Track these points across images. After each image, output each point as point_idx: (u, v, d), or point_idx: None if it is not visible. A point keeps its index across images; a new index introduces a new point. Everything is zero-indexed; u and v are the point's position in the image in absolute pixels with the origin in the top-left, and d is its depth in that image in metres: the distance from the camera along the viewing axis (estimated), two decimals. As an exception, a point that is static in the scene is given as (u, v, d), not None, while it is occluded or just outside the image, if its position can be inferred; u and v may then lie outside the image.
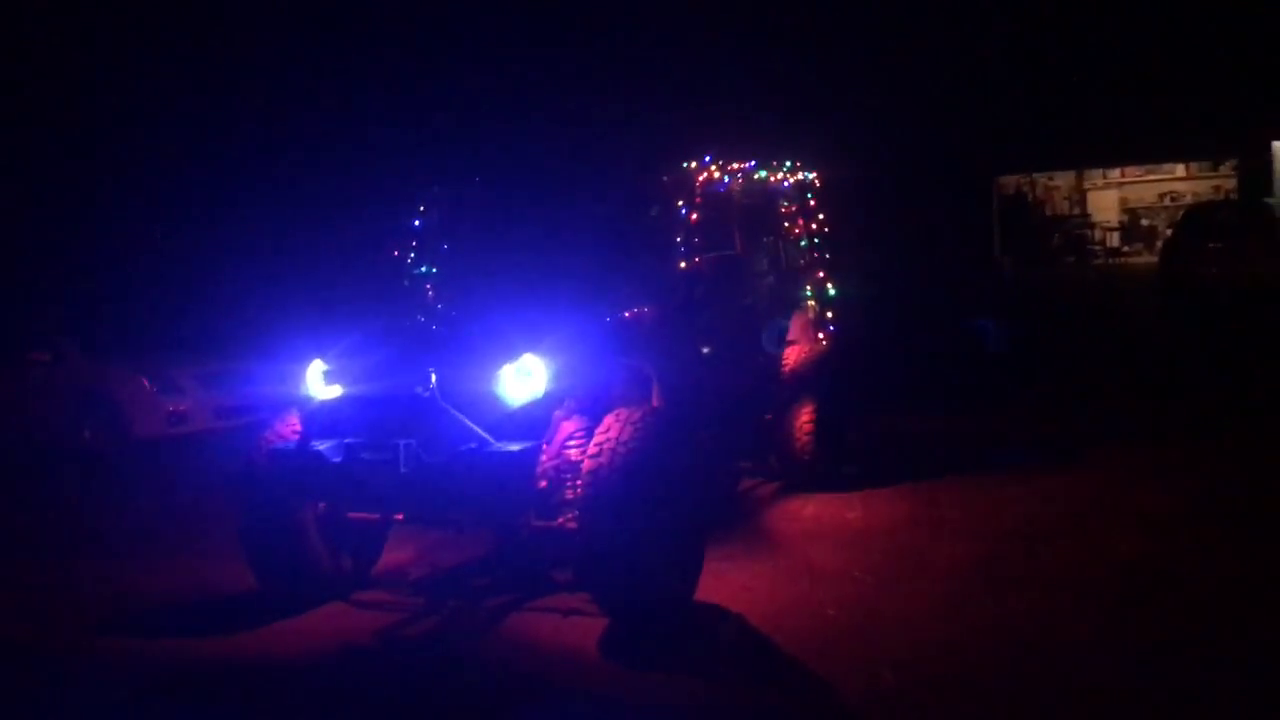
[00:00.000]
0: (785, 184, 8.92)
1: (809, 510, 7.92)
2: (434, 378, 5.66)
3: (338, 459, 5.72)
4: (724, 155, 7.77)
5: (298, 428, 6.14)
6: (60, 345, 12.48)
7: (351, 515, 6.24)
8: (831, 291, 9.17)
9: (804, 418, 8.22)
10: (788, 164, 8.92)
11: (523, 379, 5.75)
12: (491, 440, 5.57)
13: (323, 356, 6.18)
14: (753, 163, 8.24)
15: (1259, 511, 7.31)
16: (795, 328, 8.73)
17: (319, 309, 10.72)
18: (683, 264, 6.98)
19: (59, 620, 6.49)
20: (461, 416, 5.59)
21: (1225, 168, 29.56)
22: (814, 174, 9.28)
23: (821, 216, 9.24)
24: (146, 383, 12.08)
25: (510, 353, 5.78)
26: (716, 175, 7.57)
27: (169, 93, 20.11)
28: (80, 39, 19.96)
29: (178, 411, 12.14)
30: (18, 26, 19.14)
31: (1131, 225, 31.37)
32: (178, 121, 20.14)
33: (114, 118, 19.76)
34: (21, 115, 19.14)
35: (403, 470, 5.56)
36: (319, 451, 5.78)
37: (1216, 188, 30.05)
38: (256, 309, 14.63)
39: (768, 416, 8.28)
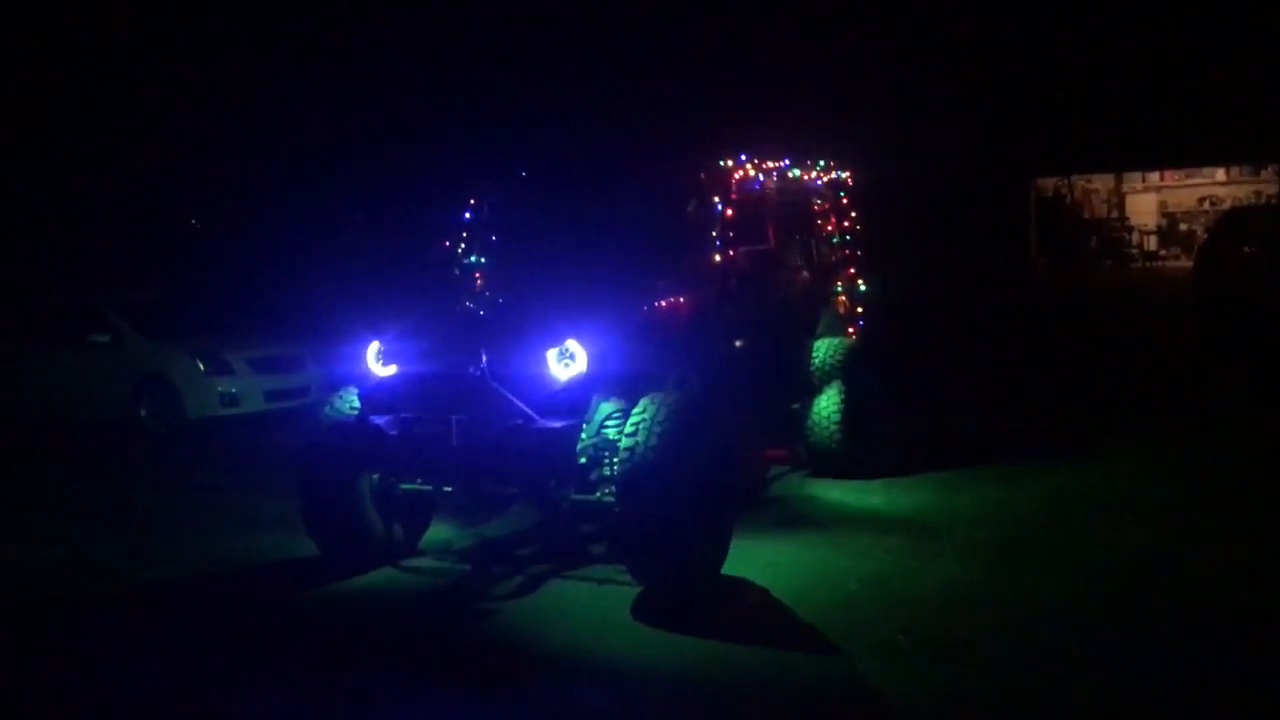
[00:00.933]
0: (818, 182, 9.27)
1: (833, 495, 8.30)
2: (485, 359, 6.08)
3: (395, 432, 6.17)
4: (759, 154, 8.16)
5: (356, 404, 6.60)
6: (120, 328, 13.05)
7: (404, 487, 6.68)
8: (861, 287, 9.52)
9: (831, 408, 8.57)
10: (821, 163, 9.28)
11: (565, 362, 6.16)
12: (536, 418, 5.99)
13: (380, 339, 6.62)
14: (787, 161, 8.61)
15: (1259, 506, 7.61)
16: (825, 321, 9.08)
17: (369, 297, 11.21)
18: (718, 257, 7.37)
19: (137, 582, 7.00)
20: (509, 395, 6.01)
21: (1267, 172, 29.46)
22: (846, 173, 9.63)
23: (854, 215, 9.60)
24: (201, 365, 12.66)
25: (554, 337, 6.20)
26: (751, 173, 7.96)
27: (232, 87, 20.72)
28: (155, 36, 20.61)
29: (230, 394, 12.72)
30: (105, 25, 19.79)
31: (1170, 229, 31.35)
32: (242, 114, 20.75)
33: (181, 110, 20.39)
34: (90, 104, 19.79)
35: (455, 443, 6.00)
36: (377, 425, 6.24)
37: (1257, 193, 29.94)
38: (308, 297, 15.15)
39: (796, 405, 8.65)
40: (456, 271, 7.85)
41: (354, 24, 21.34)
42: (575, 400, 6.14)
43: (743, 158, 7.86)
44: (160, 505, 9.12)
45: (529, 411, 6.01)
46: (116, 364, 12.87)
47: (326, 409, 6.73)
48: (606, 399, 6.26)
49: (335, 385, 7.20)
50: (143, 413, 12.69)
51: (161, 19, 20.75)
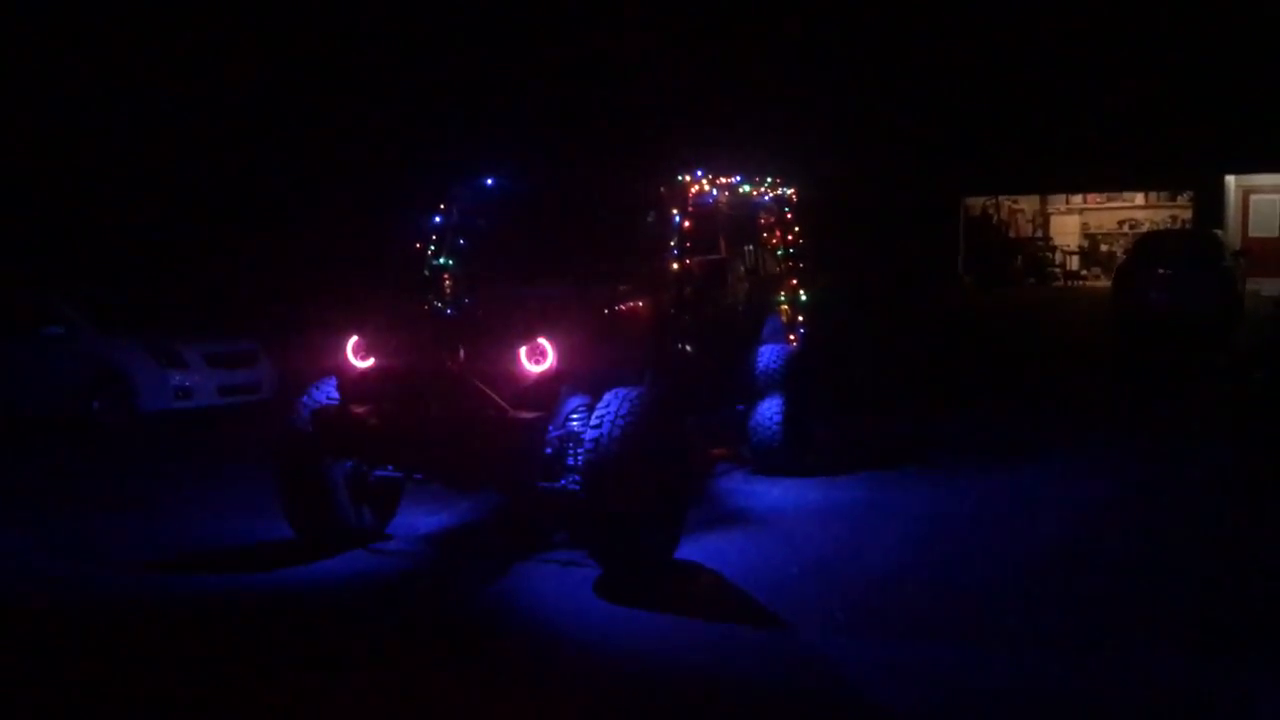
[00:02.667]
0: (765, 197, 9.85)
1: (775, 491, 8.85)
2: (461, 354, 6.53)
3: (374, 421, 6.59)
4: (713, 169, 8.71)
5: (334, 394, 6.99)
6: (73, 320, 13.09)
7: (376, 474, 7.09)
8: (803, 297, 10.11)
9: (773, 410, 9.11)
10: (768, 179, 9.86)
11: (535, 357, 6.63)
12: (508, 409, 6.45)
13: (358, 333, 7.02)
14: (738, 177, 9.18)
15: (1173, 502, 8.33)
16: (769, 328, 9.64)
17: (328, 295, 11.54)
18: (674, 265, 7.88)
19: (111, 564, 7.29)
20: (484, 388, 6.46)
21: (1183, 198, 30.78)
22: (791, 189, 10.23)
23: (797, 229, 10.21)
24: (155, 359, 12.80)
25: (525, 335, 6.66)
26: (706, 187, 8.50)
27: (191, 83, 20.77)
28: (98, 35, 20.60)
29: (184, 388, 12.87)
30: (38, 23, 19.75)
31: (1091, 250, 32.58)
32: (202, 112, 20.80)
33: (135, 104, 20.40)
34: (42, 100, 19.72)
35: (431, 432, 6.43)
36: (357, 414, 6.64)
37: (1173, 217, 31.29)
38: (264, 293, 15.36)
39: (741, 407, 9.19)
40: (425, 272, 8.27)
41: (321, 26, 21.57)
42: (544, 394, 6.61)
43: (698, 173, 8.41)
44: (126, 492, 9.37)
45: (501, 403, 6.46)
46: (69, 357, 12.88)
47: (304, 399, 7.11)
48: (573, 393, 6.72)
49: (293, 380, 7.48)
50: (96, 405, 12.72)
51: (127, 16, 20.79)
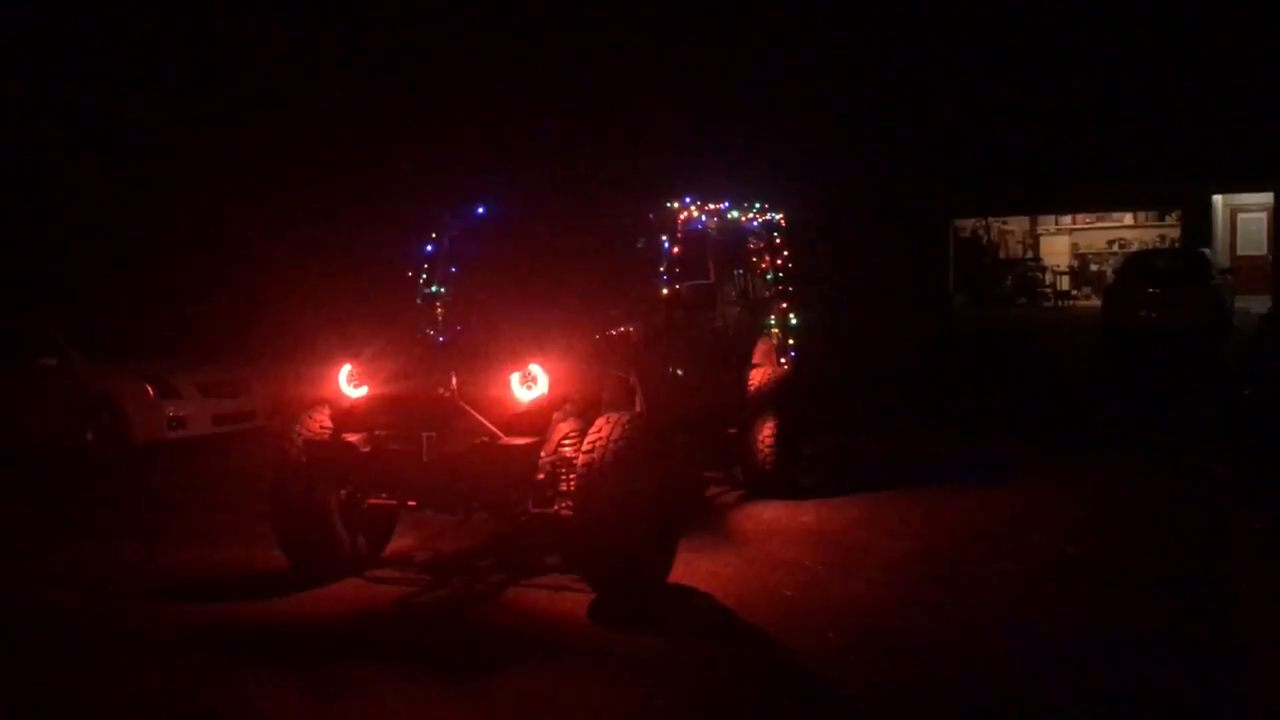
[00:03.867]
0: (754, 223, 9.94)
1: (768, 514, 8.89)
2: (454, 381, 6.58)
3: (368, 449, 6.63)
4: (702, 195, 8.80)
5: (327, 423, 7.03)
6: (66, 351, 13.11)
7: (370, 501, 7.12)
8: (793, 320, 10.18)
9: (765, 433, 9.17)
10: (757, 205, 9.95)
11: (527, 384, 6.68)
12: (501, 435, 6.50)
13: (350, 362, 7.08)
14: (726, 203, 9.27)
15: (1161, 520, 8.38)
16: (760, 351, 9.71)
17: (321, 323, 11.58)
18: (664, 290, 7.95)
19: (106, 593, 7.31)
20: (476, 414, 6.51)
21: (1171, 218, 30.99)
22: (780, 214, 10.33)
23: (786, 253, 10.29)
24: (149, 389, 12.80)
25: (517, 361, 6.72)
26: (695, 213, 8.59)
27: (187, 105, 20.88)
28: (94, 55, 20.70)
29: (177, 417, 12.89)
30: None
31: (1081, 270, 32.78)
32: (197, 136, 20.90)
33: (132, 131, 20.50)
34: (41, 124, 19.79)
35: (425, 459, 6.47)
36: (351, 442, 6.69)
37: (1162, 236, 31.51)
38: (258, 323, 15.38)
39: (732, 430, 9.25)
40: (418, 300, 8.33)
41: (315, 51, 21.71)
42: (536, 420, 6.65)
43: (687, 199, 8.50)
44: (123, 522, 9.39)
45: (494, 429, 6.51)
46: (62, 387, 12.92)
47: (298, 427, 7.14)
48: (565, 418, 6.77)
49: (286, 409, 7.53)
50: (89, 436, 12.73)
51: (116, 36, 20.91)
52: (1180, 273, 20.18)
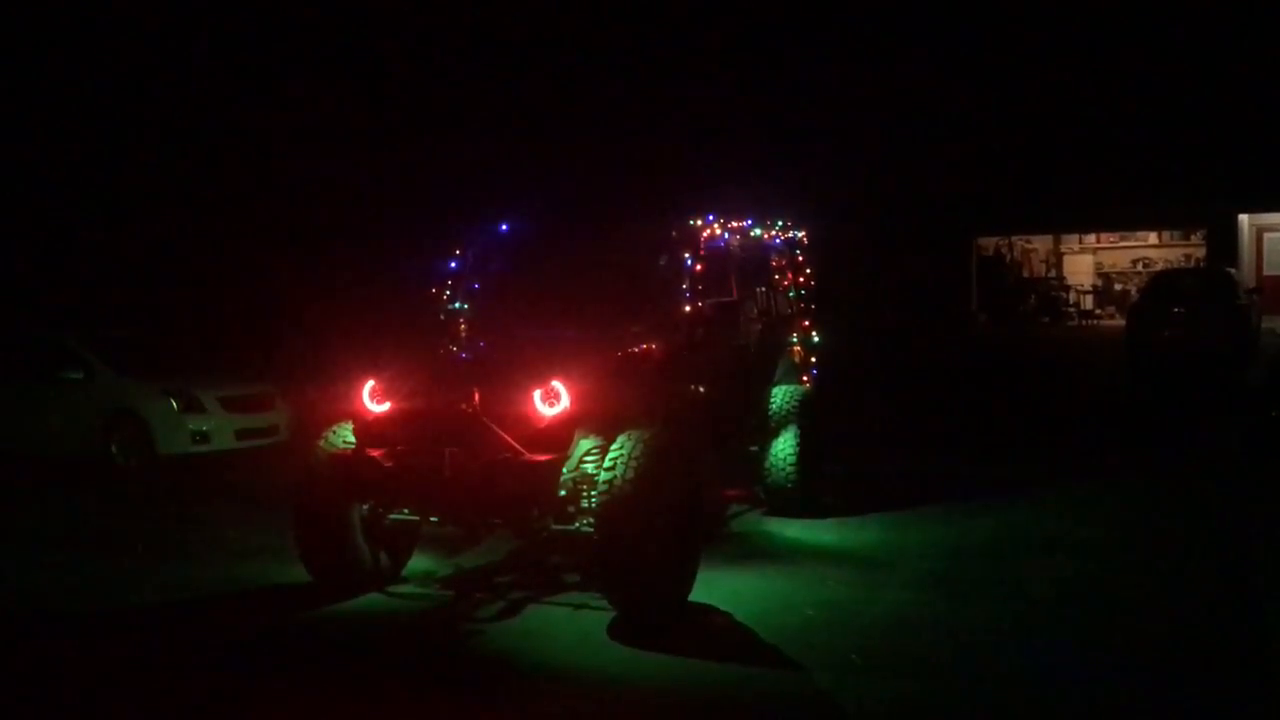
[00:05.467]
0: (777, 240, 9.93)
1: (789, 532, 8.86)
2: (477, 397, 6.59)
3: (390, 464, 6.65)
4: (724, 213, 8.80)
5: (350, 438, 7.06)
6: (91, 364, 13.24)
7: (392, 517, 7.14)
8: (815, 338, 10.16)
9: (787, 451, 9.14)
10: (780, 222, 9.95)
11: (549, 400, 6.68)
12: (523, 451, 6.50)
13: (374, 379, 7.10)
14: (749, 221, 9.26)
15: (1186, 542, 8.31)
16: (782, 369, 9.68)
17: (344, 341, 11.64)
18: (686, 307, 7.95)
19: (130, 606, 7.35)
20: (499, 430, 6.52)
21: (1196, 237, 30.80)
22: (802, 232, 10.32)
23: (809, 270, 10.28)
24: (173, 403, 12.90)
25: (539, 378, 6.73)
26: (717, 231, 8.59)
27: (207, 121, 21.09)
28: (135, 60, 20.89)
29: (201, 431, 12.97)
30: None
31: (1105, 288, 32.60)
32: (225, 154, 21.10)
33: (164, 147, 20.71)
34: (74, 144, 20.01)
35: (447, 475, 6.48)
36: (373, 458, 6.70)
37: (1187, 255, 31.32)
38: (281, 339, 15.46)
39: (754, 448, 9.22)
40: (441, 316, 8.36)
41: (336, 63, 21.90)
42: (558, 436, 6.65)
43: (710, 217, 8.50)
44: (148, 535, 9.44)
45: (516, 446, 6.52)
46: (87, 400, 13.03)
47: (322, 443, 7.17)
48: (587, 435, 6.77)
49: (310, 424, 7.56)
50: (113, 449, 12.84)
51: (136, 52, 21.15)
52: (1205, 292, 20.02)
